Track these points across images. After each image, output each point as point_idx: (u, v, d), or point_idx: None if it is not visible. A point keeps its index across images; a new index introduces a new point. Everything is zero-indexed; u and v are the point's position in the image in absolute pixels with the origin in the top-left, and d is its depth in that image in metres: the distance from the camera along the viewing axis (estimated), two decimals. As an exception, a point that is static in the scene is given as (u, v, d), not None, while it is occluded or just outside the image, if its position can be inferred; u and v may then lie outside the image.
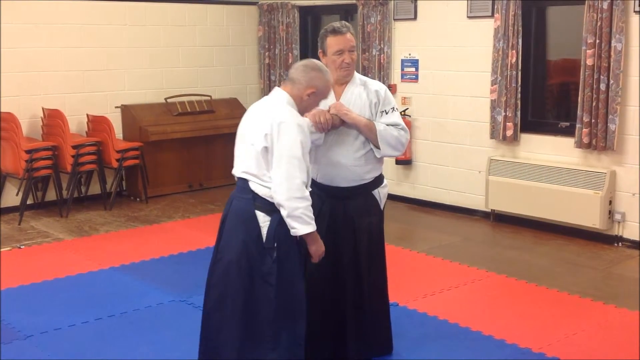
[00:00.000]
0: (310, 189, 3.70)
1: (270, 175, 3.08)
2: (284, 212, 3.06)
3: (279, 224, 3.09)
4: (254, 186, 3.12)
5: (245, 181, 3.15)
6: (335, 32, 3.54)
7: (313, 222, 3.12)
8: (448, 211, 7.08)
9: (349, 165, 3.60)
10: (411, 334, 4.19)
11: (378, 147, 3.59)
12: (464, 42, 6.79)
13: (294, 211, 3.04)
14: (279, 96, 3.19)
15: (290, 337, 3.16)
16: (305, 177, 3.08)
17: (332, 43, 3.54)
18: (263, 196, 3.10)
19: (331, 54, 3.56)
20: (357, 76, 3.67)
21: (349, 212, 3.63)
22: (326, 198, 3.63)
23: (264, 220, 3.11)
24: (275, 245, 3.10)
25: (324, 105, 3.58)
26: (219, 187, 8.18)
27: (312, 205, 3.65)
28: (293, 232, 3.10)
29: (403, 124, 3.66)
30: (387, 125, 3.58)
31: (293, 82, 3.20)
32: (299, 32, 8.29)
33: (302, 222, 3.07)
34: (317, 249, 3.23)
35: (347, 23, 3.62)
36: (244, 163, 3.17)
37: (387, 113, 3.61)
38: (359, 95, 3.61)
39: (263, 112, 3.17)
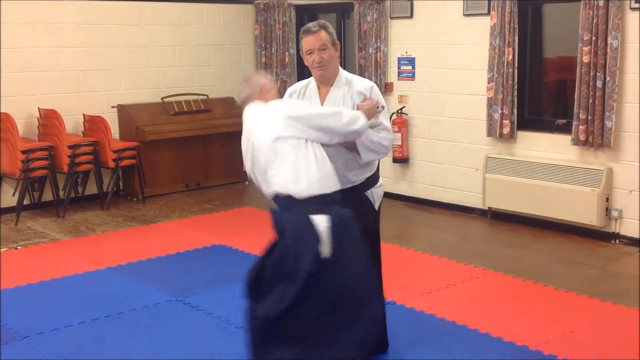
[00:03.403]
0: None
1: (305, 170, 3.08)
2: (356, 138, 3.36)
3: (335, 224, 3.03)
4: (295, 193, 3.08)
5: (288, 196, 3.10)
6: (305, 32, 3.53)
7: (361, 118, 3.28)
8: (445, 209, 7.08)
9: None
10: (408, 332, 4.19)
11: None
12: (461, 40, 6.79)
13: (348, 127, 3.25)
14: (261, 110, 3.26)
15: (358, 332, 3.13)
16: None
17: (303, 43, 3.54)
18: (308, 195, 3.06)
19: (304, 55, 3.56)
20: (344, 75, 3.61)
21: None
22: None
23: (320, 221, 3.03)
24: (334, 245, 3.03)
25: None
26: (216, 186, 8.18)
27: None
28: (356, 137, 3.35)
29: (387, 123, 3.57)
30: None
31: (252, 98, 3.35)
32: (296, 31, 8.27)
33: (356, 123, 3.27)
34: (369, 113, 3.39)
35: (323, 22, 3.55)
36: (278, 180, 3.12)
37: None
38: (342, 98, 3.55)
39: (261, 130, 3.20)
